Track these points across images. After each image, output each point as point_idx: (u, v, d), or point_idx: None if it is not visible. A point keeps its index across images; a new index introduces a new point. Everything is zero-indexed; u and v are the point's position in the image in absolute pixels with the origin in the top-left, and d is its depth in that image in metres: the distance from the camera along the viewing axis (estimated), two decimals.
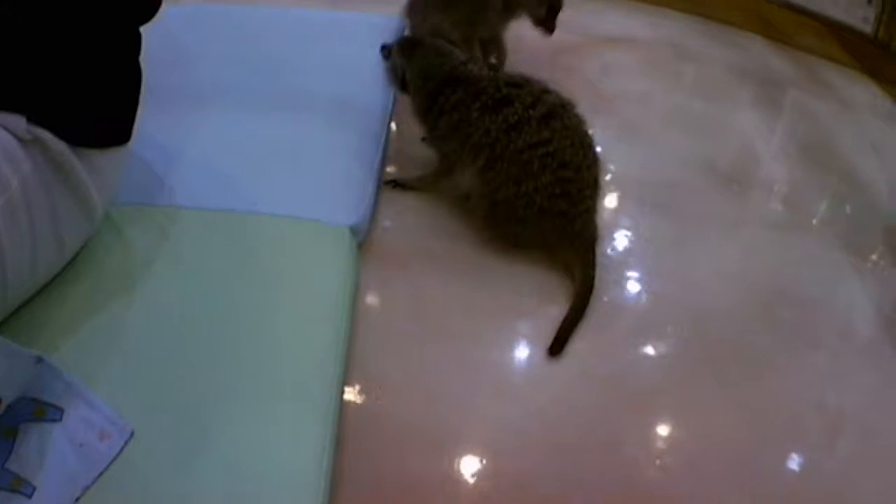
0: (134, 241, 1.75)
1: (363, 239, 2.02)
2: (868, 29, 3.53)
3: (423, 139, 2.37)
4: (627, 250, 2.18)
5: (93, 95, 1.57)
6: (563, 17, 3.02)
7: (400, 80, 2.28)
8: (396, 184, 2.32)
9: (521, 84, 2.13)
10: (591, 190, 2.09)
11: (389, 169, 2.38)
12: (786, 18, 3.65)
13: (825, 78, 3.38)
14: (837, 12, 3.69)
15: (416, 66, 2.25)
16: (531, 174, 2.04)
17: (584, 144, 2.09)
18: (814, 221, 2.44)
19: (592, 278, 2.01)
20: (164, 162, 1.98)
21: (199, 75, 2.37)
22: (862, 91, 3.33)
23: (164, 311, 1.59)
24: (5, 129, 1.42)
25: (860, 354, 2.00)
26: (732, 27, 3.65)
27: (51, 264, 1.57)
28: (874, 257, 2.33)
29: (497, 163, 2.07)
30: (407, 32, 2.79)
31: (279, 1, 3.34)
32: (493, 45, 2.85)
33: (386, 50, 2.38)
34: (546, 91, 2.13)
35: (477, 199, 2.16)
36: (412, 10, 2.85)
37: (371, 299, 1.91)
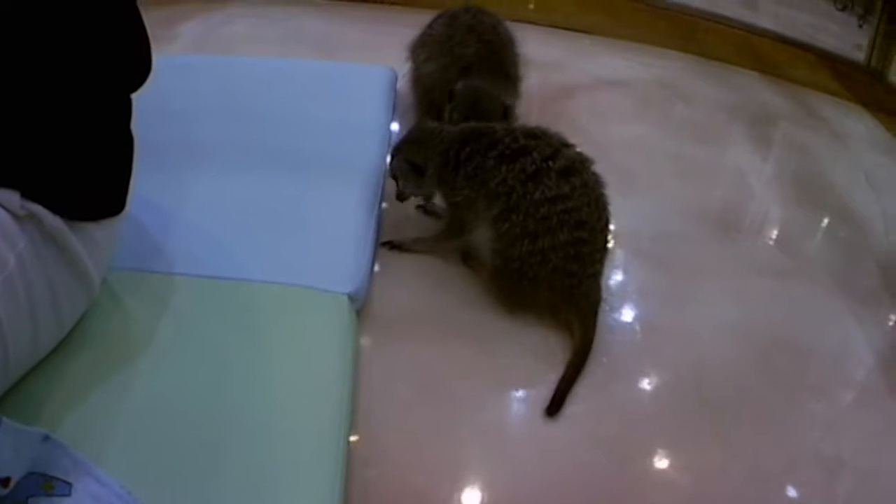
0: (132, 311, 1.74)
1: (361, 306, 2.01)
2: (861, 57, 3.55)
3: (418, 207, 2.37)
4: (624, 306, 2.17)
5: (87, 167, 1.56)
6: (554, 60, 3.05)
7: (414, 170, 2.21)
8: (393, 246, 2.30)
9: (538, 135, 2.09)
10: (601, 253, 2.07)
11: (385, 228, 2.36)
12: (778, 51, 3.67)
13: (819, 111, 3.40)
14: (829, 41, 3.71)
15: (409, 145, 2.23)
16: (549, 230, 2.00)
17: (600, 205, 2.06)
18: (810, 266, 2.44)
19: (591, 341, 2.00)
20: (158, 225, 1.97)
21: (189, 131, 2.36)
22: (855, 122, 3.36)
23: (165, 385, 1.58)
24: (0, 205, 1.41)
25: (858, 399, 2.01)
26: (725, 63, 3.67)
27: (51, 337, 1.56)
28: (871, 299, 2.34)
29: (512, 214, 2.02)
30: (403, 76, 2.82)
31: (267, 52, 3.37)
32: None
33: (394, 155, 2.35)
34: (565, 144, 2.10)
35: (487, 255, 2.11)
36: (417, 48, 2.85)
37: (371, 366, 1.89)
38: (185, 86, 2.54)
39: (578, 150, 2.11)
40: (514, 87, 2.72)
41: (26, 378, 1.52)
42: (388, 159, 2.30)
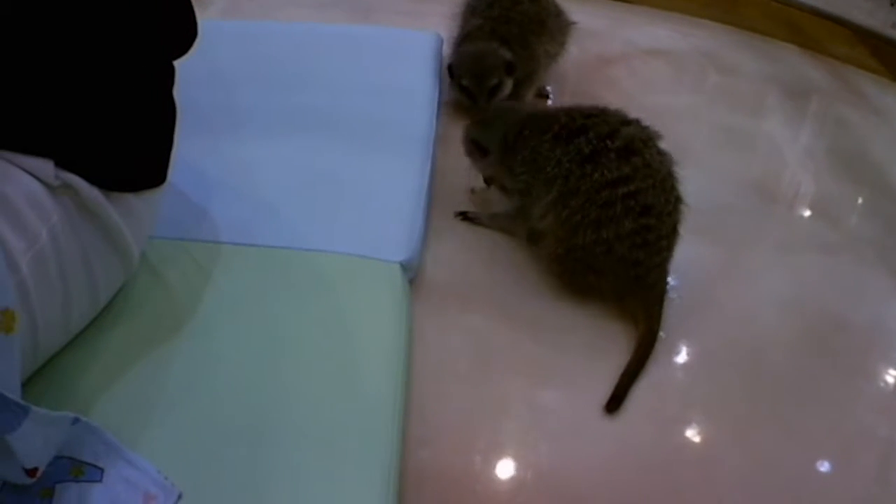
0: (172, 283, 1.71)
1: (414, 275, 1.99)
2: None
3: (457, 214, 2.27)
4: (681, 284, 2.12)
5: (126, 136, 1.52)
6: (595, 28, 3.03)
7: (479, 149, 2.18)
8: (466, 217, 2.25)
9: (596, 114, 2.00)
10: (668, 239, 1.96)
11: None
12: (817, 26, 3.64)
13: (858, 86, 3.37)
14: (864, 18, 3.68)
15: (490, 125, 2.17)
16: (613, 219, 1.89)
17: (667, 186, 1.96)
18: (855, 241, 2.43)
19: (656, 333, 1.94)
20: (199, 192, 1.95)
21: (232, 95, 2.35)
22: (894, 99, 3.33)
23: (207, 361, 1.56)
24: (32, 175, 1.36)
25: None
26: (765, 36, 3.64)
27: (84, 314, 1.53)
28: None
29: (571, 198, 1.93)
30: (451, 40, 2.79)
31: (303, 16, 3.34)
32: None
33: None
34: (626, 122, 1.99)
35: (550, 242, 2.01)
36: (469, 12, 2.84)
37: (425, 338, 1.86)
38: (228, 50, 2.53)
39: (643, 125, 2.03)
40: (527, 53, 2.72)
41: (59, 354, 1.48)
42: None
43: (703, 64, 3.35)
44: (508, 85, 2.65)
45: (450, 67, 2.69)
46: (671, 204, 1.96)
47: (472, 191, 2.33)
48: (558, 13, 2.88)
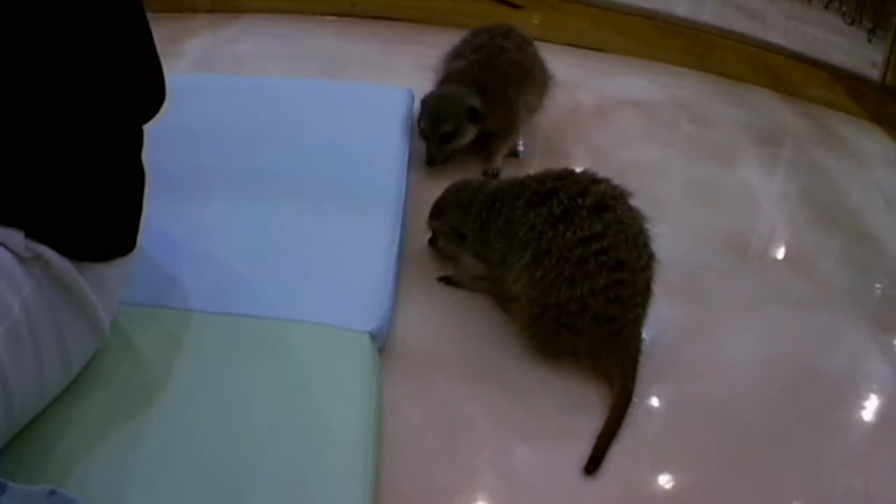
0: (144, 351, 1.71)
1: (384, 344, 1.97)
2: (875, 75, 3.53)
3: (440, 279, 2.26)
4: (654, 344, 2.10)
5: (96, 205, 1.51)
6: (568, 79, 3.03)
7: (456, 234, 2.19)
8: (449, 282, 2.23)
9: (565, 176, 2.02)
10: (642, 296, 1.97)
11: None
12: (793, 69, 3.65)
13: (835, 130, 3.38)
14: (842, 58, 3.70)
15: (451, 210, 2.20)
16: (586, 275, 1.90)
17: (640, 242, 1.97)
18: (832, 292, 2.41)
19: (631, 392, 1.92)
20: (169, 257, 1.94)
21: (200, 154, 2.34)
22: (872, 142, 3.33)
23: (180, 430, 1.55)
24: (3, 246, 1.35)
25: (887, 431, 1.99)
26: (741, 82, 3.65)
27: (58, 383, 1.51)
28: (894, 325, 2.32)
29: (545, 259, 1.93)
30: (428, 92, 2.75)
31: (275, 68, 3.34)
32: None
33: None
34: (595, 181, 2.01)
35: (523, 304, 2.00)
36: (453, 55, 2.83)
37: (395, 409, 1.84)
38: (196, 106, 2.50)
39: (613, 183, 2.04)
40: (505, 105, 2.70)
41: (34, 423, 1.48)
42: (430, 213, 2.26)
43: (677, 114, 3.35)
44: (470, 132, 2.63)
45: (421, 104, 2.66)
46: (644, 260, 1.97)
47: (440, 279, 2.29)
48: (543, 67, 2.87)
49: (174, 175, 2.15)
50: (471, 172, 2.62)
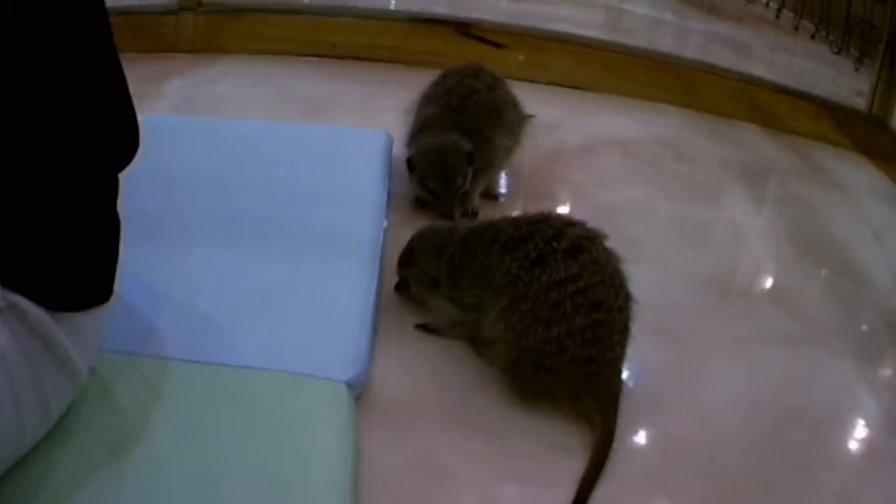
0: (122, 400, 1.70)
1: (361, 393, 1.94)
2: (861, 104, 3.53)
3: (417, 326, 2.22)
4: (636, 386, 2.08)
5: (71, 254, 1.49)
6: (550, 119, 3.06)
7: (431, 281, 2.17)
8: (426, 328, 2.20)
9: (540, 220, 2.01)
10: (621, 336, 1.95)
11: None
12: (778, 102, 3.64)
13: (821, 163, 3.38)
14: (828, 88, 3.69)
15: (424, 257, 2.19)
16: (563, 316, 1.88)
17: (616, 283, 1.96)
18: (818, 328, 2.39)
19: (612, 433, 1.89)
20: (147, 305, 1.93)
21: (176, 199, 2.33)
22: (858, 173, 3.34)
23: (158, 479, 1.53)
24: None
25: (872, 467, 1.97)
26: (724, 118, 3.64)
27: (37, 432, 1.49)
28: (881, 360, 2.32)
29: (521, 302, 1.92)
30: (405, 136, 2.76)
31: (255, 110, 3.34)
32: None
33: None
34: (570, 224, 2.01)
35: (500, 348, 1.99)
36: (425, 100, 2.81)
37: (373, 458, 1.80)
38: (172, 150, 2.48)
39: (588, 226, 2.04)
40: (485, 146, 2.68)
41: (12, 472, 1.46)
42: (400, 261, 2.25)
43: (661, 152, 3.33)
44: (469, 177, 2.61)
45: (409, 161, 2.63)
46: (621, 300, 1.96)
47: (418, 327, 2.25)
48: (515, 104, 2.84)
49: (152, 221, 2.14)
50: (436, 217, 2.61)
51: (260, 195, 2.42)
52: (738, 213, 2.99)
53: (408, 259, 2.23)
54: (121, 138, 1.61)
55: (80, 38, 1.47)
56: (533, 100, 2.91)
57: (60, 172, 1.45)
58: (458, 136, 2.61)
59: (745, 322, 2.43)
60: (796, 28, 4.63)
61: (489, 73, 2.84)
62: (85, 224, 1.52)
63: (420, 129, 2.71)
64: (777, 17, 4.84)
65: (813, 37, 4.45)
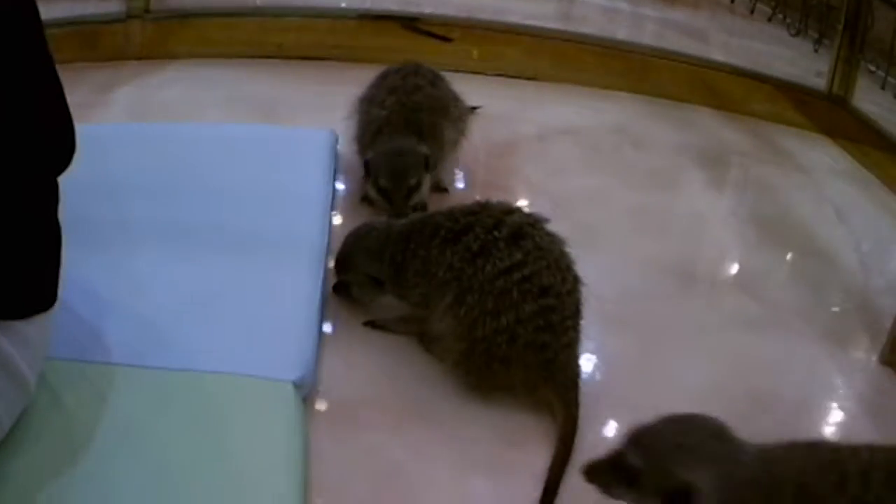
0: (70, 407, 1.68)
1: (309, 392, 1.90)
2: (821, 84, 3.49)
3: (366, 323, 2.17)
4: (595, 378, 2.03)
5: (10, 261, 1.44)
6: (501, 111, 3.01)
7: (373, 282, 2.13)
8: (375, 326, 2.15)
9: (478, 210, 1.98)
10: (573, 319, 1.92)
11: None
12: (734, 84, 3.61)
13: (781, 144, 3.33)
14: (787, 69, 3.66)
15: (363, 258, 2.14)
16: (511, 304, 1.85)
17: (562, 266, 1.92)
18: (784, 312, 2.34)
19: (576, 419, 1.85)
20: (93, 310, 1.91)
21: (123, 206, 2.30)
22: (820, 154, 3.29)
23: (106, 485, 1.53)
24: None
25: None
26: (679, 102, 3.58)
27: None
28: (850, 341, 2.27)
29: (467, 295, 1.89)
30: (350, 132, 2.73)
31: (207, 114, 3.29)
32: None
33: None
34: (508, 211, 1.98)
35: (450, 342, 1.95)
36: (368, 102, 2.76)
37: (323, 458, 1.75)
38: (117, 156, 2.47)
39: (527, 211, 2.01)
40: (437, 142, 2.64)
41: None
42: (338, 265, 2.20)
43: (615, 140, 3.27)
44: (426, 182, 2.56)
45: (366, 164, 2.57)
46: (569, 283, 1.92)
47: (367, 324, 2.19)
48: (457, 98, 2.81)
49: (96, 227, 2.12)
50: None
51: (204, 198, 2.39)
52: (697, 199, 2.94)
53: (345, 263, 2.18)
54: (55, 142, 1.57)
55: (9, 40, 1.42)
56: (484, 92, 2.91)
57: None
58: (416, 140, 2.56)
59: (709, 308, 2.39)
60: (752, 11, 4.59)
61: (429, 70, 2.81)
62: (21, 230, 1.48)
63: (376, 132, 2.64)
64: (732, 1, 4.78)
65: (770, 20, 4.41)
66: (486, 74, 3.57)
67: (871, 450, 1.42)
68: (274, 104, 3.37)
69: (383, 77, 2.79)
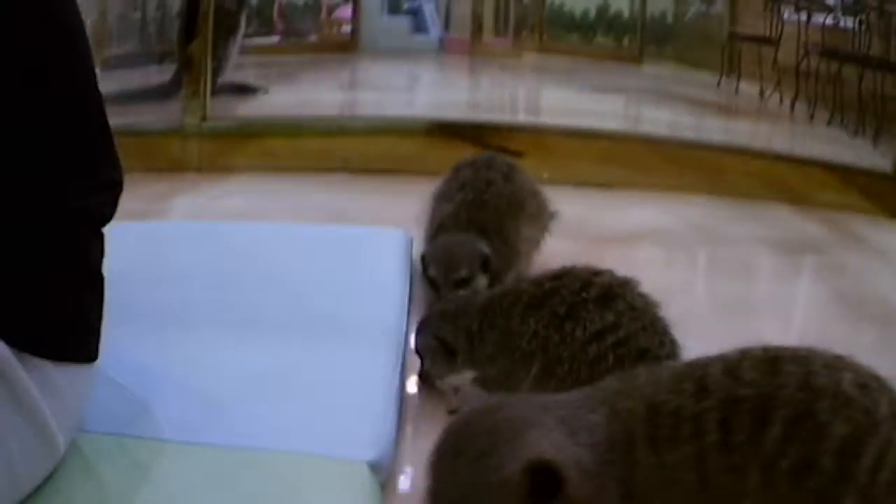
0: (107, 480, 1.50)
1: (386, 477, 1.75)
2: (888, 167, 3.56)
3: (451, 412, 1.97)
4: None
5: (42, 295, 1.37)
6: (579, 216, 3.01)
7: (444, 348, 1.97)
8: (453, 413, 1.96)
9: (562, 274, 1.86)
10: None
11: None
12: (805, 176, 3.65)
13: (854, 230, 3.36)
14: (853, 158, 3.70)
15: (437, 320, 2.02)
16: (607, 372, 1.58)
17: (659, 329, 1.79)
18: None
19: None
20: (144, 387, 1.74)
21: (187, 294, 2.18)
22: (893, 236, 3.32)
23: None
24: None
25: None
26: (754, 199, 3.62)
27: (3, 496, 1.32)
28: None
29: (556, 367, 1.75)
30: (423, 231, 2.68)
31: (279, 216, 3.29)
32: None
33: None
34: (596, 272, 1.85)
35: None
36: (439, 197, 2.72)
37: None
38: (187, 251, 2.41)
39: (617, 273, 1.89)
40: (506, 242, 2.57)
41: None
42: (414, 335, 2.09)
43: (693, 238, 3.27)
44: (482, 282, 2.43)
45: (422, 258, 2.51)
46: (668, 346, 1.79)
47: (452, 412, 2.01)
48: (535, 192, 2.74)
49: (158, 312, 2.01)
50: None
51: (273, 287, 2.31)
52: (778, 285, 2.95)
53: (421, 324, 2.06)
54: (101, 181, 1.50)
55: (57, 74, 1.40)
56: (559, 200, 2.86)
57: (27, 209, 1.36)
58: (476, 238, 2.49)
59: None
60: (811, 117, 4.66)
61: (504, 163, 2.75)
62: (59, 268, 1.41)
63: (438, 229, 2.61)
64: (792, 109, 4.86)
65: (829, 123, 4.46)
66: (560, 184, 3.59)
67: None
68: (342, 214, 3.36)
69: (456, 171, 2.74)
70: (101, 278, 1.49)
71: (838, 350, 2.39)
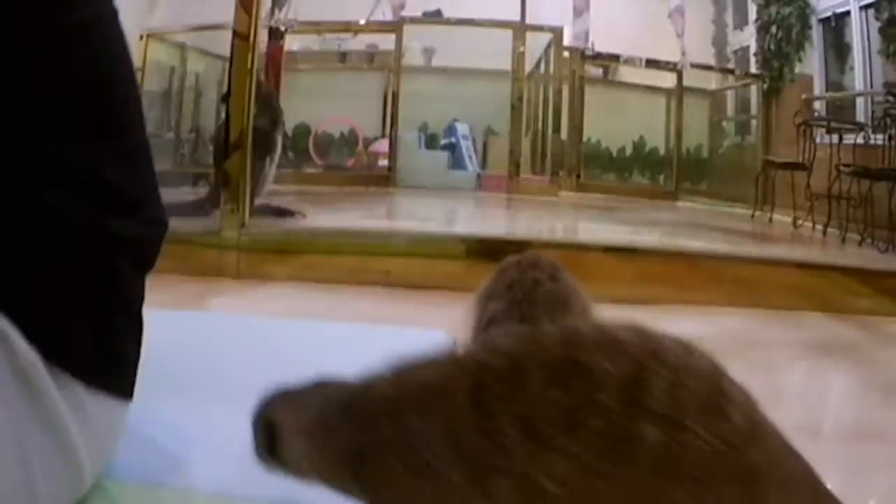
0: None
1: None
2: None
3: None
4: None
5: (82, 311, 1.30)
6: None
7: None
8: None
9: None
10: None
11: None
12: (839, 286, 3.72)
13: (889, 331, 3.44)
14: (883, 262, 3.78)
15: None
16: None
17: None
18: None
19: None
20: (177, 442, 1.68)
21: (225, 374, 2.09)
22: None
23: None
24: None
25: None
26: (791, 310, 3.67)
27: None
28: None
29: None
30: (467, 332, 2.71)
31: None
32: None
33: None
34: None
35: None
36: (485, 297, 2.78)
37: None
38: (225, 340, 2.39)
39: None
40: None
41: None
42: None
43: (731, 346, 3.34)
44: None
45: None
46: None
47: None
48: (579, 292, 2.83)
49: (194, 385, 1.92)
50: None
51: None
52: (815, 378, 3.01)
53: None
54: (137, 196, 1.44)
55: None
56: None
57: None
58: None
59: (838, 463, 2.42)
60: (843, 240, 4.77)
61: (548, 263, 2.80)
62: (97, 293, 1.35)
63: (487, 324, 2.68)
64: (824, 234, 4.98)
65: (860, 244, 4.56)
66: (602, 303, 3.66)
67: None
68: (380, 323, 3.38)
69: (502, 271, 2.80)
70: (140, 320, 1.45)
71: (872, 433, 2.47)
